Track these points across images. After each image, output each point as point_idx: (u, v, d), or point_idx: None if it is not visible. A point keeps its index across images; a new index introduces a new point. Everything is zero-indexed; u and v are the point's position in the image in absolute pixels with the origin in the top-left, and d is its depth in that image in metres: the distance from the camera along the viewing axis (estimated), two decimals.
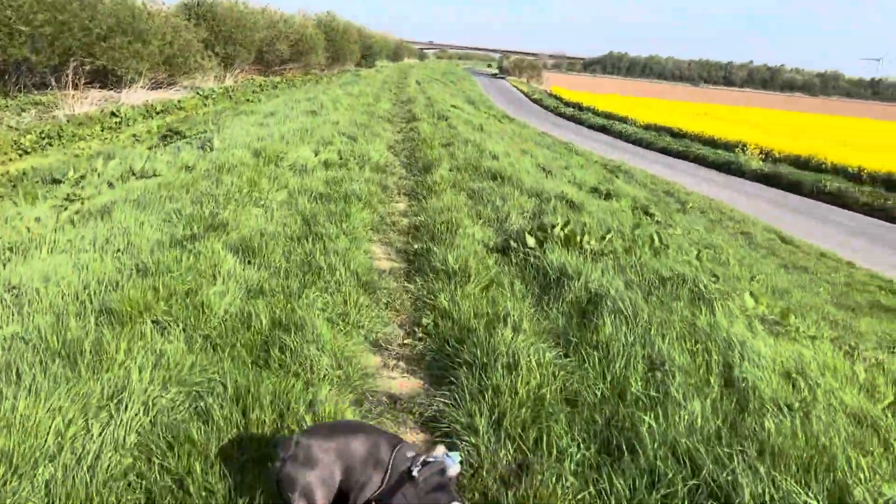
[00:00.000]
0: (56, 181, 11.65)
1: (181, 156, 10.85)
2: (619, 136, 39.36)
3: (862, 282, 14.03)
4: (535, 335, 4.62)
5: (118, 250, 5.97)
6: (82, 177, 10.90)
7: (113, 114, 21.11)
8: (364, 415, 3.80)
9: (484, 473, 3.21)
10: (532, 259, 6.11)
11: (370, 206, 8.36)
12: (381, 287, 5.71)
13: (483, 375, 3.95)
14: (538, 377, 3.91)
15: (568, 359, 4.29)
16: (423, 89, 38.58)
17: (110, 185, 9.37)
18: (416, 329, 4.94)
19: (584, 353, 4.31)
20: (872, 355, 6.19)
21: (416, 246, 7.00)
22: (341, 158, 11.29)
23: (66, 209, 8.47)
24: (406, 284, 5.91)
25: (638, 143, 36.55)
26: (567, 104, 57.66)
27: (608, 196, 11.92)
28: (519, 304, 5.16)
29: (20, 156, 17.01)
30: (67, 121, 19.38)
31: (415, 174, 11.44)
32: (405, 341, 4.81)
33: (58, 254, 6.03)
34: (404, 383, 4.29)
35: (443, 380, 4.25)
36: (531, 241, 6.41)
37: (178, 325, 4.45)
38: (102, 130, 19.54)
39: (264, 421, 3.37)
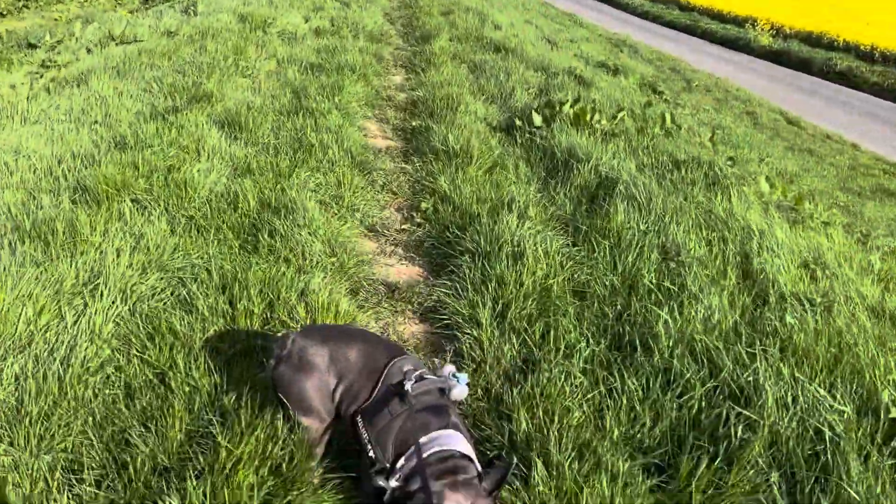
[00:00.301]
0: (32, 46, 10.98)
1: (163, 20, 10.14)
2: (626, 8, 37.55)
3: (866, 165, 13.68)
4: (542, 222, 4.34)
5: (95, 122, 5.57)
6: (59, 42, 10.26)
7: None
8: (360, 304, 3.58)
9: (487, 369, 3.02)
10: (538, 140, 5.74)
11: (365, 79, 7.83)
12: (377, 167, 5.36)
13: (486, 265, 3.71)
14: (545, 267, 3.67)
15: (576, 248, 4.04)
16: None
17: (88, 50, 8.77)
18: (415, 214, 4.65)
19: (593, 241, 4.05)
20: (885, 243, 5.99)
21: (414, 123, 6.58)
22: (333, 26, 10.58)
23: (41, 76, 7.96)
24: (404, 165, 5.57)
25: (644, 16, 34.87)
26: None
27: (616, 72, 11.33)
28: (524, 188, 4.85)
29: None
30: None
31: (412, 44, 10.78)
32: (403, 227, 4.54)
33: (31, 124, 5.63)
34: (402, 271, 4.05)
35: (443, 268, 4.01)
36: (538, 119, 6.01)
37: (159, 205, 4.15)
38: None
39: (252, 311, 3.14)
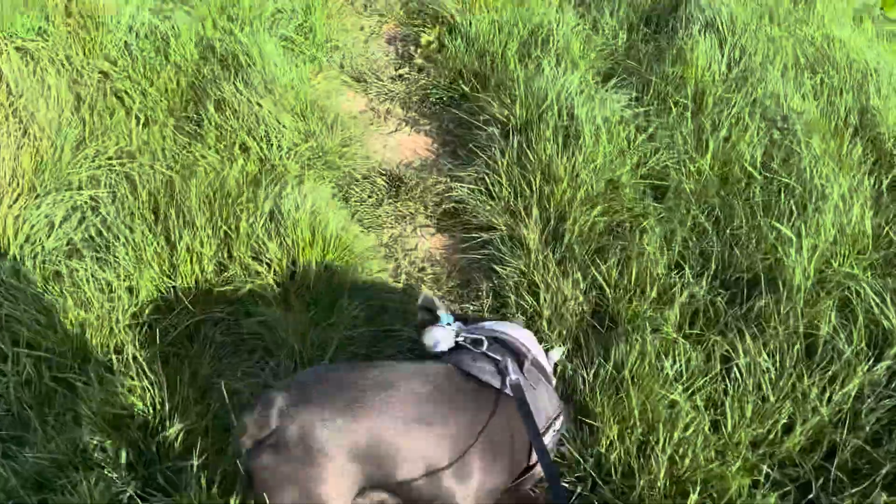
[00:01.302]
0: None
1: None
2: None
3: None
4: (588, 63, 3.20)
5: None
6: None
7: None
8: (353, 209, 2.58)
9: (544, 326, 2.13)
10: None
11: None
12: None
13: (526, 146, 2.65)
14: (607, 147, 2.63)
15: (637, 102, 2.95)
16: None
17: None
18: (414, 51, 3.45)
19: (662, 95, 2.97)
20: None
21: None
22: None
23: None
24: None
25: None
26: None
27: None
28: (557, 8, 3.59)
29: None
30: None
31: None
32: (399, 72, 3.37)
33: None
34: (405, 144, 2.99)
35: (460, 141, 2.96)
36: None
37: (56, 55, 2.95)
38: None
39: (201, 253, 2.14)
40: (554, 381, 1.81)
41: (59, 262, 2.05)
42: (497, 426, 1.45)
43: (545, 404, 1.60)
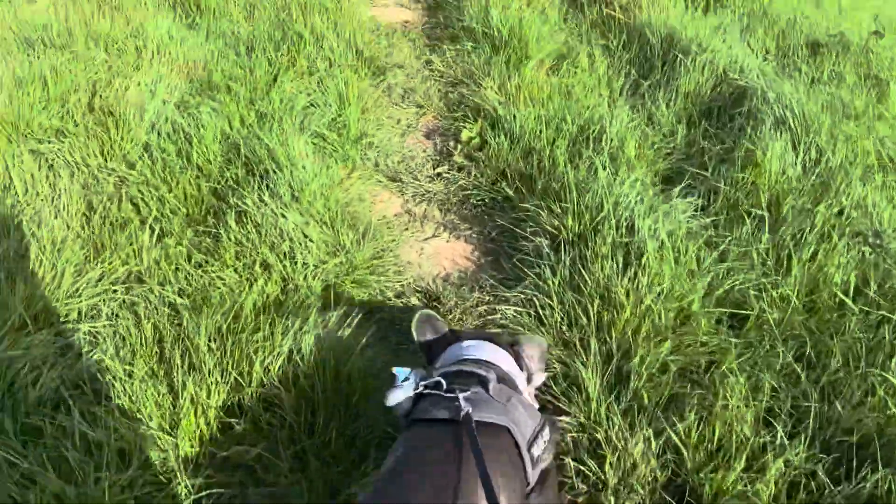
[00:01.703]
0: None
1: None
2: None
3: None
4: (645, 166, 2.91)
5: None
6: None
7: None
8: (384, 349, 2.28)
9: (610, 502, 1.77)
10: (618, 14, 4.10)
11: None
12: (392, 65, 3.82)
13: (581, 265, 2.34)
14: (673, 268, 2.31)
15: (708, 217, 2.63)
16: None
17: None
18: (454, 148, 3.20)
19: (730, 200, 2.65)
20: None
21: None
22: None
23: None
24: (429, 57, 3.99)
25: None
26: None
27: None
28: (609, 101, 3.34)
29: None
30: None
31: None
32: (437, 170, 3.11)
33: None
34: (442, 252, 2.70)
35: (504, 251, 2.66)
36: None
37: (72, 157, 2.77)
38: None
39: (208, 406, 1.84)
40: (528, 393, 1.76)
41: (43, 417, 1.76)
42: (504, 460, 1.40)
43: (522, 416, 1.51)
